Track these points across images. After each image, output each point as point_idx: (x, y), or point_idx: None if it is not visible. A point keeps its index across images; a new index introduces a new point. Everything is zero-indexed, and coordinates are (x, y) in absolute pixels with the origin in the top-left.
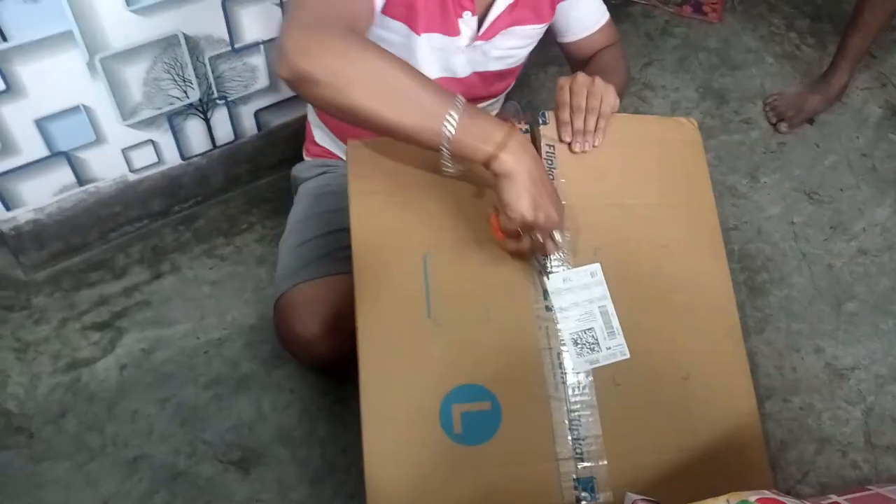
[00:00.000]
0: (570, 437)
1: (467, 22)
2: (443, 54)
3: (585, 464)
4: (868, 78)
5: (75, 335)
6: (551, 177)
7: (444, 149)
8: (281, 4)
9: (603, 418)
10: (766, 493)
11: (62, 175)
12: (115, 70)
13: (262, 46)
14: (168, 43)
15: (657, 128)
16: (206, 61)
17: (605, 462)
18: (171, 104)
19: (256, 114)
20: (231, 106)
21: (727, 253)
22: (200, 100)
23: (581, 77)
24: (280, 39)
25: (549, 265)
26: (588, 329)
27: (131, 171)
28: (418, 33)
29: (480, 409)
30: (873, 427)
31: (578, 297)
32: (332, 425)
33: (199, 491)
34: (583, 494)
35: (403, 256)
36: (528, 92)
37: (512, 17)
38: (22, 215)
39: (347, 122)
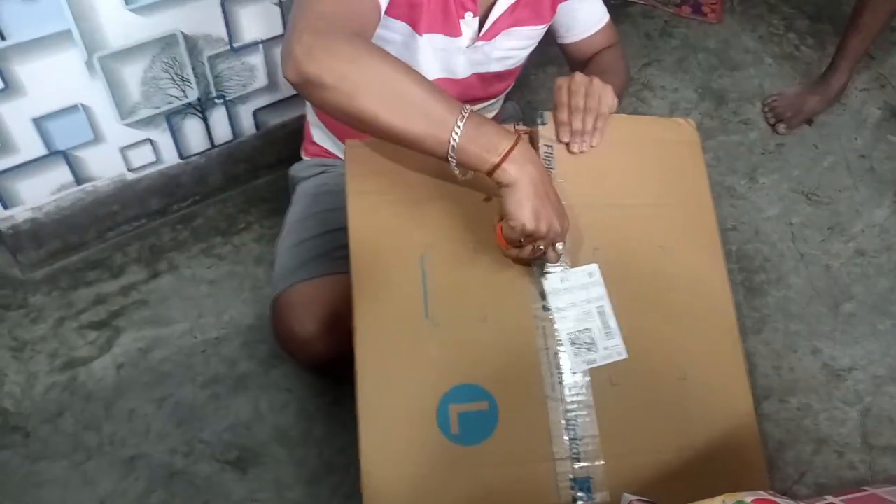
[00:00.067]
0: (566, 437)
1: (469, 23)
2: (444, 55)
3: (582, 464)
4: (867, 79)
5: (72, 334)
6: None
7: (450, 157)
8: (280, 4)
9: (600, 418)
10: (762, 494)
11: (60, 174)
12: (113, 69)
13: (260, 46)
14: (167, 42)
15: (655, 128)
16: (205, 60)
17: (602, 462)
18: (170, 103)
19: (255, 113)
20: (229, 105)
21: (725, 253)
22: (199, 99)
23: (579, 77)
24: (287, 42)
25: (547, 265)
26: (585, 329)
27: (129, 170)
28: (420, 34)
29: (478, 409)
30: (870, 428)
31: (576, 297)
32: (329, 425)
33: (196, 490)
34: (579, 494)
35: (401, 256)
36: (527, 92)
37: (513, 18)
38: (20, 214)
39: (353, 126)
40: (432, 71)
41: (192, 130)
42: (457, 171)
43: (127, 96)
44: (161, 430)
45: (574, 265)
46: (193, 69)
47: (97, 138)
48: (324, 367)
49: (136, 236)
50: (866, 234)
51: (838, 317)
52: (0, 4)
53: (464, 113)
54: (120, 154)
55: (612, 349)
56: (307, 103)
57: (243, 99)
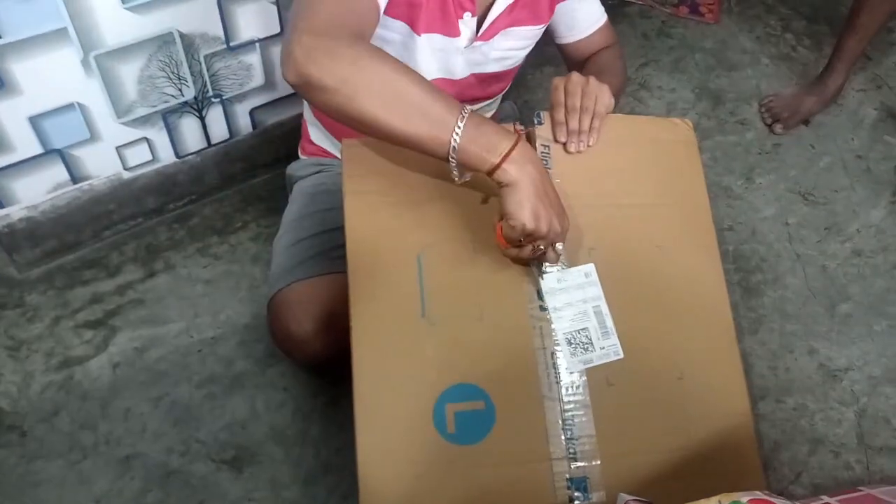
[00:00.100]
0: (563, 437)
1: (467, 23)
2: (442, 55)
3: (579, 464)
4: (863, 80)
5: (68, 333)
6: None
7: (450, 158)
8: (276, 3)
9: (596, 418)
10: (758, 494)
11: (56, 173)
12: (109, 68)
13: (257, 45)
14: (163, 41)
15: (652, 128)
16: (201, 59)
17: (599, 462)
18: (166, 102)
19: (251, 112)
20: (226, 104)
21: (722, 253)
22: (195, 98)
23: (576, 77)
24: (287, 43)
25: (543, 265)
26: (582, 329)
27: (125, 168)
28: (419, 33)
29: (474, 408)
30: (866, 428)
31: (572, 297)
32: (325, 425)
33: (192, 490)
34: (576, 494)
35: (398, 256)
36: (524, 91)
37: (511, 18)
38: (16, 213)
39: (353, 128)
40: (430, 71)
41: (189, 129)
42: (455, 174)
43: (123, 95)
44: (157, 429)
45: (571, 265)
46: (190, 68)
47: (93, 137)
48: (320, 366)
49: (132, 235)
50: (863, 235)
51: (834, 317)
52: None
53: (464, 114)
54: (116, 153)
55: (609, 349)
56: (304, 102)
57: (240, 98)
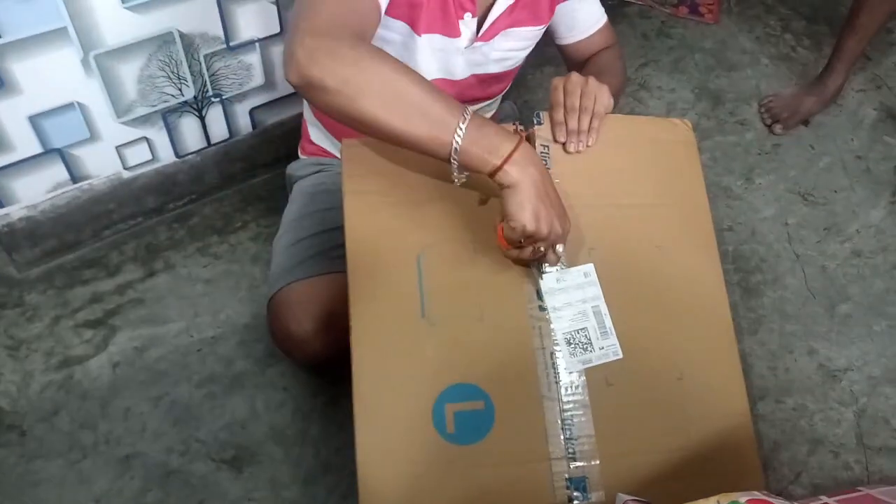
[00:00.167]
0: (562, 437)
1: (467, 24)
2: (442, 55)
3: (578, 463)
4: (863, 80)
5: (68, 333)
6: None
7: (452, 160)
8: (276, 3)
9: (596, 418)
10: (757, 495)
11: (56, 172)
12: (109, 67)
13: (257, 44)
14: (163, 40)
15: (651, 128)
16: (201, 59)
17: (598, 462)
18: (166, 102)
19: (251, 112)
20: (226, 104)
21: (721, 254)
22: (195, 97)
23: (575, 77)
24: (289, 44)
25: (543, 266)
26: (581, 329)
27: (125, 168)
28: (419, 34)
29: (473, 408)
30: (865, 428)
31: (572, 297)
32: (325, 425)
33: (191, 489)
34: (575, 494)
35: (397, 256)
36: (524, 92)
37: (511, 19)
38: (15, 212)
39: (355, 129)
40: (430, 71)
41: (189, 129)
42: (454, 175)
43: (123, 94)
44: (157, 428)
45: (570, 265)
46: (190, 67)
47: (93, 136)
48: (320, 366)
49: (132, 235)
50: (862, 235)
51: (834, 317)
52: None
53: (465, 115)
54: (116, 152)
55: (608, 349)
56: (304, 102)
57: (240, 97)
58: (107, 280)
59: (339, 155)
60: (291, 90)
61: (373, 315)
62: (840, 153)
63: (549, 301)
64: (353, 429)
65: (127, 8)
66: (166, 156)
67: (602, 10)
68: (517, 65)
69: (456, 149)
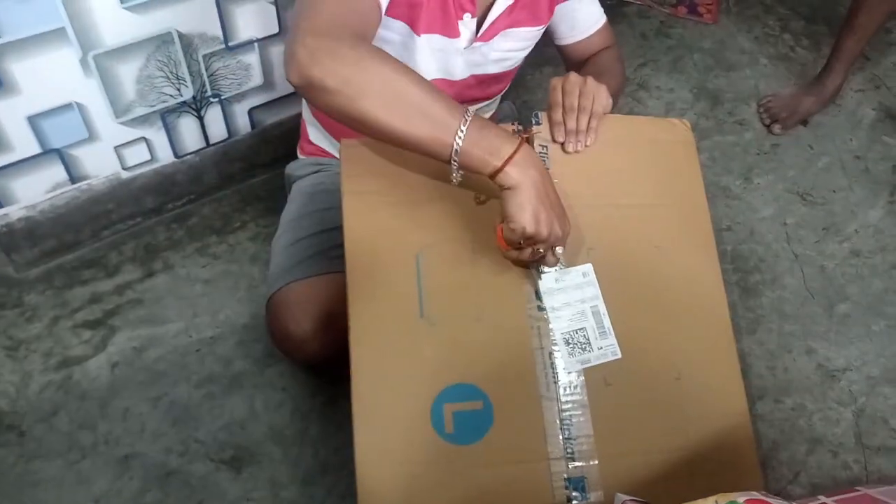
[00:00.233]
0: (561, 437)
1: (467, 24)
2: (442, 56)
3: (576, 463)
4: (862, 80)
5: (67, 333)
6: None
7: (452, 161)
8: (275, 3)
9: (594, 418)
10: (755, 495)
11: (55, 172)
12: (108, 67)
13: (256, 45)
14: (162, 40)
15: (650, 128)
16: (200, 59)
17: (596, 462)
18: (165, 102)
19: (250, 112)
20: (225, 104)
21: (720, 254)
22: (194, 97)
23: (573, 77)
24: (290, 44)
25: (542, 266)
26: (580, 329)
27: (124, 168)
28: (418, 34)
29: (472, 408)
30: (864, 428)
31: (570, 297)
32: (324, 425)
33: (190, 490)
34: (573, 494)
35: (396, 256)
36: (523, 92)
37: (511, 19)
38: (14, 212)
39: (355, 129)
40: (429, 72)
41: (188, 129)
42: (454, 176)
43: (122, 95)
44: (156, 429)
45: (568, 265)
46: (188, 67)
47: (92, 137)
48: (319, 366)
49: (130, 235)
50: (861, 235)
51: (833, 317)
52: None
53: (466, 117)
54: (115, 152)
55: (607, 349)
56: (303, 102)
57: (238, 97)
58: (106, 280)
59: (337, 155)
60: (290, 90)
61: (371, 315)
62: (839, 153)
63: (547, 301)
64: (351, 429)
65: (126, 8)
66: (165, 156)
67: (601, 10)
68: (516, 65)
69: (457, 150)
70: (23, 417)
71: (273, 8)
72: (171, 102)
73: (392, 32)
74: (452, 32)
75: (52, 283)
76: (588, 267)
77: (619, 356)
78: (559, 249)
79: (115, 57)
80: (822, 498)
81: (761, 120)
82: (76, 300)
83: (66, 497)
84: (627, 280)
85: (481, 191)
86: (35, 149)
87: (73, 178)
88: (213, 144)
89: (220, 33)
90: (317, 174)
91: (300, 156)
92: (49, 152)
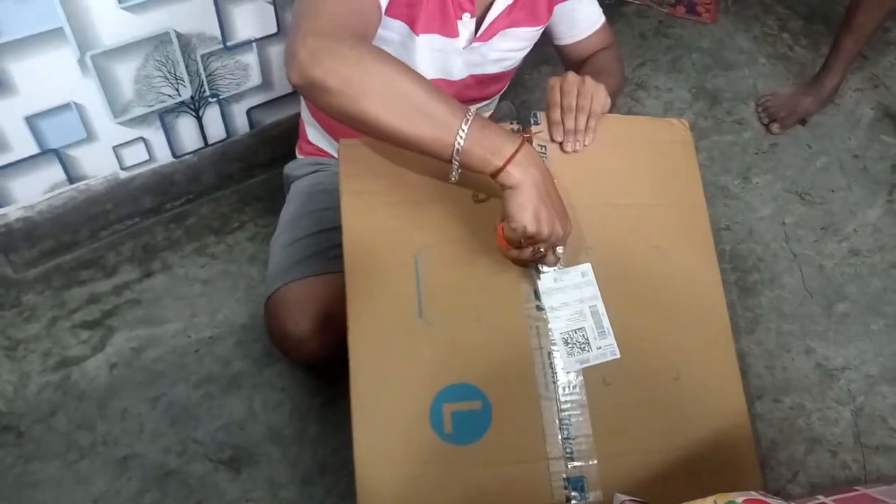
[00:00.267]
0: (560, 437)
1: (466, 24)
2: (441, 55)
3: (575, 463)
4: (860, 79)
5: (65, 333)
6: None
7: (453, 160)
8: (273, 3)
9: (593, 418)
10: (754, 494)
11: (53, 172)
12: (106, 67)
13: (254, 44)
14: (160, 40)
15: (649, 128)
16: (198, 59)
17: (595, 462)
18: (163, 102)
19: (249, 112)
20: (223, 104)
21: (719, 253)
22: (192, 97)
23: (571, 76)
24: (291, 44)
25: (541, 265)
26: (579, 329)
27: (122, 168)
28: (417, 34)
29: (471, 408)
30: (863, 427)
31: (569, 296)
32: (323, 425)
33: (189, 490)
34: (573, 494)
35: (395, 256)
36: (521, 91)
37: (510, 19)
38: (12, 213)
39: (356, 129)
40: (428, 72)
41: (186, 129)
42: (454, 175)
43: (120, 94)
44: (154, 429)
45: (567, 265)
46: (187, 67)
47: (90, 137)
48: (317, 366)
49: (129, 235)
50: (859, 234)
51: (831, 317)
52: None
53: (468, 116)
54: (113, 153)
55: (606, 348)
56: (302, 102)
57: (237, 97)
58: (104, 281)
59: (336, 155)
60: (289, 90)
61: (370, 315)
62: (837, 152)
63: (546, 301)
64: (350, 429)
65: (123, 8)
66: (163, 156)
67: (600, 10)
68: (515, 65)
69: (458, 150)
70: (21, 418)
71: (271, 8)
72: (170, 102)
73: (391, 32)
74: (451, 32)
75: (50, 283)
76: (587, 267)
77: (618, 356)
78: (560, 249)
79: (112, 57)
80: (821, 497)
81: (760, 119)
82: (74, 300)
83: (65, 497)
84: (626, 280)
85: (481, 189)
86: (33, 149)
87: (71, 179)
88: (212, 144)
89: (218, 33)
90: (315, 174)
91: (299, 156)
92: (47, 152)
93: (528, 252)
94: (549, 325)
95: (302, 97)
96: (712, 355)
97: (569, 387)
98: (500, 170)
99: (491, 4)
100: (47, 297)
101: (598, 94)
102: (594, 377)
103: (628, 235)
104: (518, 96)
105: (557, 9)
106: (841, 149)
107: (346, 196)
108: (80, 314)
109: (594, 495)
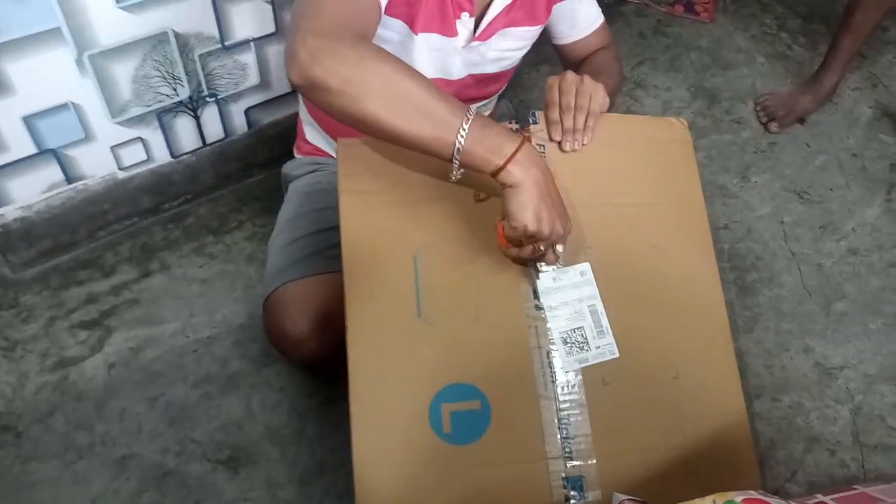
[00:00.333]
0: (559, 436)
1: (465, 23)
2: (440, 55)
3: (574, 463)
4: (859, 78)
5: (63, 334)
6: None
7: (454, 159)
8: (272, 2)
9: (592, 417)
10: (753, 494)
11: (51, 172)
12: (104, 67)
13: (252, 44)
14: (157, 40)
15: (647, 127)
16: (196, 59)
17: (594, 461)
18: (161, 102)
19: (247, 111)
20: (221, 103)
21: (717, 252)
22: (190, 97)
23: (570, 76)
24: (291, 44)
25: (540, 264)
26: (577, 328)
27: (120, 168)
28: (416, 33)
29: (470, 408)
30: (861, 426)
31: (568, 296)
32: (321, 425)
33: (187, 490)
34: (572, 493)
35: (394, 256)
36: (520, 91)
37: (508, 19)
38: (10, 213)
39: (357, 129)
40: (427, 71)
41: (184, 129)
42: (454, 174)
43: (118, 94)
44: (153, 429)
45: (566, 264)
46: (185, 67)
47: (88, 137)
48: (316, 366)
49: (127, 235)
50: (858, 233)
51: (830, 315)
52: None
53: (468, 115)
54: (111, 153)
55: (605, 348)
56: (300, 101)
57: (235, 97)
58: (102, 281)
59: (334, 154)
60: (287, 90)
61: (369, 315)
62: (836, 151)
63: (545, 300)
64: (349, 429)
65: (121, 8)
66: (161, 156)
67: (599, 10)
68: (514, 64)
69: (459, 149)
70: (19, 418)
71: (269, 7)
72: (168, 102)
73: (391, 31)
74: (450, 31)
75: (48, 283)
76: (586, 266)
77: (617, 355)
78: (559, 247)
79: (110, 57)
80: (820, 496)
81: (758, 118)
82: (72, 301)
83: (63, 498)
84: (625, 279)
85: (481, 188)
86: (31, 149)
87: (69, 179)
88: (210, 144)
89: (216, 33)
90: (313, 174)
91: (297, 155)
92: (45, 152)
93: (527, 250)
94: (548, 325)
95: (300, 97)
96: (711, 354)
97: (568, 386)
98: (501, 169)
99: (489, 4)
100: (45, 298)
101: (596, 94)
102: (593, 376)
103: (627, 234)
104: (517, 95)
105: (556, 8)
106: (839, 148)
107: (345, 195)
108: (78, 314)
109: (593, 495)
